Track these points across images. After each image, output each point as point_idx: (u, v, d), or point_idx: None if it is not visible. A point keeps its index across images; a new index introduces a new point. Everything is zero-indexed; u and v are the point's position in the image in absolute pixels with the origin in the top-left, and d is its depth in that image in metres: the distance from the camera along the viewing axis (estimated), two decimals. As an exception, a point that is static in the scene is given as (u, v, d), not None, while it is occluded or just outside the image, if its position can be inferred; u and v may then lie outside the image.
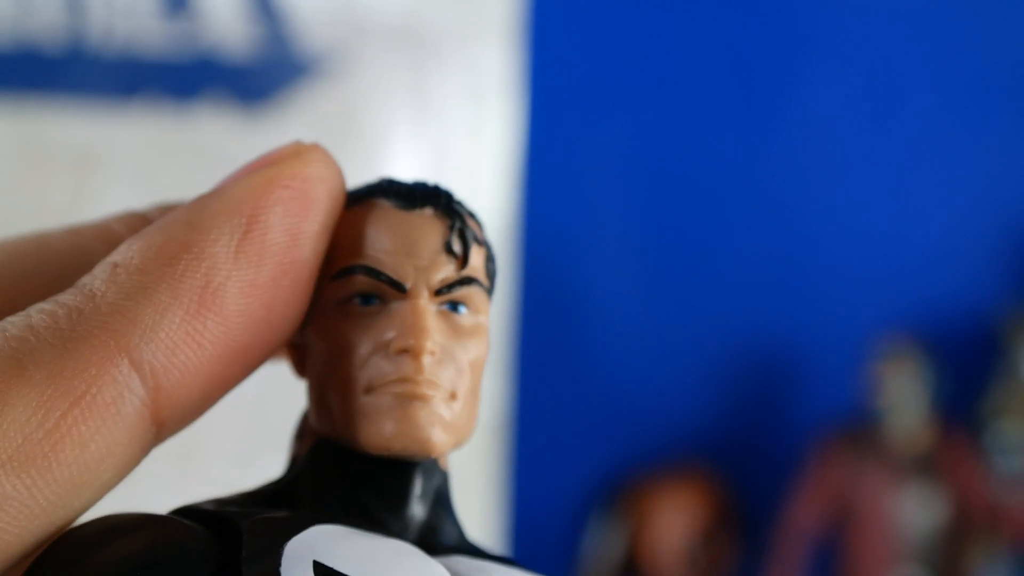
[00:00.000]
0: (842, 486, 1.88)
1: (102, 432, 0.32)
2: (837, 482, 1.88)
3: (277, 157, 0.38)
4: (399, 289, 0.38)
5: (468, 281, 0.39)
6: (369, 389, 0.38)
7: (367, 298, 0.39)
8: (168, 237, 0.35)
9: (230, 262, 0.35)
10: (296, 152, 0.38)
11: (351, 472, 0.39)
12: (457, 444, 0.39)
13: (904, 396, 1.88)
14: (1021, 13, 1.96)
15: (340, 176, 0.39)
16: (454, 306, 0.39)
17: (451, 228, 0.39)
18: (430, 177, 0.41)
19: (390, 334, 0.38)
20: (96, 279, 0.34)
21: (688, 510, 1.91)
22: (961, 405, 1.93)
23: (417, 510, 0.39)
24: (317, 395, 0.39)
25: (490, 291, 0.41)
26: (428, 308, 0.38)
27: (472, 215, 0.41)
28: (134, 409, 0.33)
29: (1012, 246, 1.97)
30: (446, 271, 0.39)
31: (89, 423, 0.31)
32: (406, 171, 1.34)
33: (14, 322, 0.32)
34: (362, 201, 0.40)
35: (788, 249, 1.96)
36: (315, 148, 0.38)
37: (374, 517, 0.38)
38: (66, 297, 0.33)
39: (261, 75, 1.39)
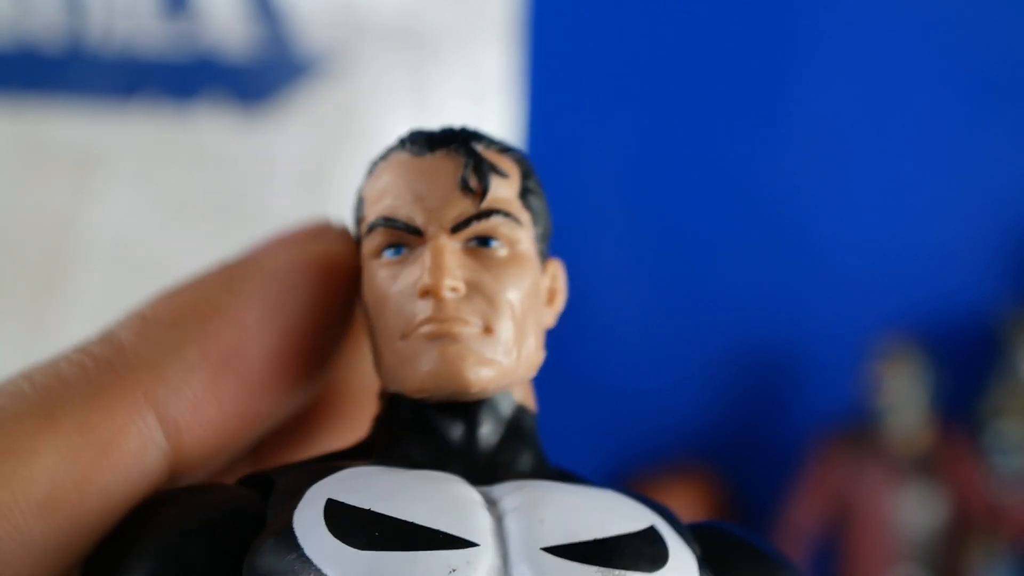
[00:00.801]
0: (842, 486, 1.88)
1: (127, 481, 0.33)
2: (837, 482, 1.88)
3: (308, 234, 0.41)
4: (416, 233, 0.39)
5: (488, 213, 0.39)
6: (404, 335, 0.38)
7: (395, 248, 0.40)
8: (201, 298, 0.36)
9: (259, 330, 0.36)
10: (324, 230, 0.41)
11: (412, 420, 0.39)
12: (508, 376, 0.39)
13: (904, 396, 1.88)
14: (1021, 13, 1.96)
15: (356, 252, 0.41)
16: (483, 240, 0.39)
17: (465, 165, 0.39)
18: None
19: (415, 278, 0.38)
20: (125, 330, 0.35)
21: (688, 509, 1.91)
22: (961, 405, 1.93)
23: (483, 447, 0.39)
24: (373, 350, 0.40)
25: (537, 223, 0.40)
26: (446, 246, 0.38)
27: (507, 150, 0.41)
28: (156, 460, 0.34)
29: (1012, 246, 1.97)
30: (461, 207, 0.39)
31: (115, 473, 0.32)
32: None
33: (42, 371, 0.34)
34: (386, 157, 0.41)
35: (788, 250, 1.96)
36: (341, 228, 0.41)
37: (437, 459, 0.38)
38: (94, 347, 0.34)
39: (261, 75, 1.39)
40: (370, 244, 0.40)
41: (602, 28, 1.89)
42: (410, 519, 0.33)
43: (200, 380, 0.34)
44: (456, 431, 0.39)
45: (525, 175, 0.41)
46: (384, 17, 1.38)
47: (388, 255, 0.40)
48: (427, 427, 0.39)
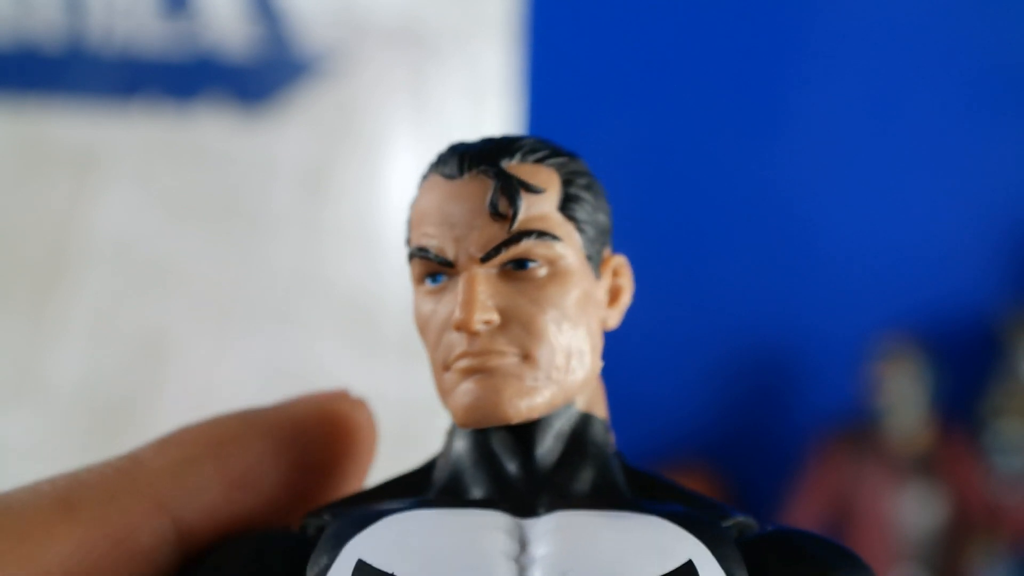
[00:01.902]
0: (842, 486, 1.88)
1: (139, 573, 0.34)
2: (837, 481, 1.88)
3: (331, 397, 0.43)
4: (447, 264, 0.39)
5: (520, 237, 0.38)
6: (446, 366, 0.39)
7: (434, 276, 0.40)
8: (221, 427, 0.39)
9: (273, 457, 0.39)
10: (345, 398, 0.43)
11: (468, 446, 0.40)
12: (559, 397, 0.38)
13: (904, 396, 1.88)
14: (1021, 14, 1.96)
15: (373, 424, 0.43)
16: (519, 263, 0.39)
17: (493, 188, 0.38)
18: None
19: (451, 309, 0.39)
20: (145, 448, 0.37)
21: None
22: (960, 405, 1.93)
23: (541, 467, 0.39)
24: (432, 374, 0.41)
25: (586, 229, 0.40)
26: (477, 277, 0.38)
27: (546, 158, 0.40)
28: (168, 555, 0.35)
29: (1012, 246, 1.97)
30: (490, 233, 0.38)
31: (128, 564, 0.34)
32: (406, 170, 1.34)
33: (64, 475, 0.35)
34: (427, 175, 0.40)
35: (788, 250, 1.96)
36: (362, 402, 0.43)
37: (492, 485, 0.39)
38: (114, 460, 0.36)
39: (261, 75, 1.39)
40: (413, 271, 0.40)
41: (602, 28, 1.89)
42: None
43: (215, 491, 0.37)
44: (511, 455, 0.39)
45: (568, 182, 0.40)
46: (384, 17, 1.38)
47: (429, 283, 0.40)
48: (483, 452, 0.39)
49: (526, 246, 0.38)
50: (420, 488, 0.40)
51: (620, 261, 0.42)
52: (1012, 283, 1.97)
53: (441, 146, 0.43)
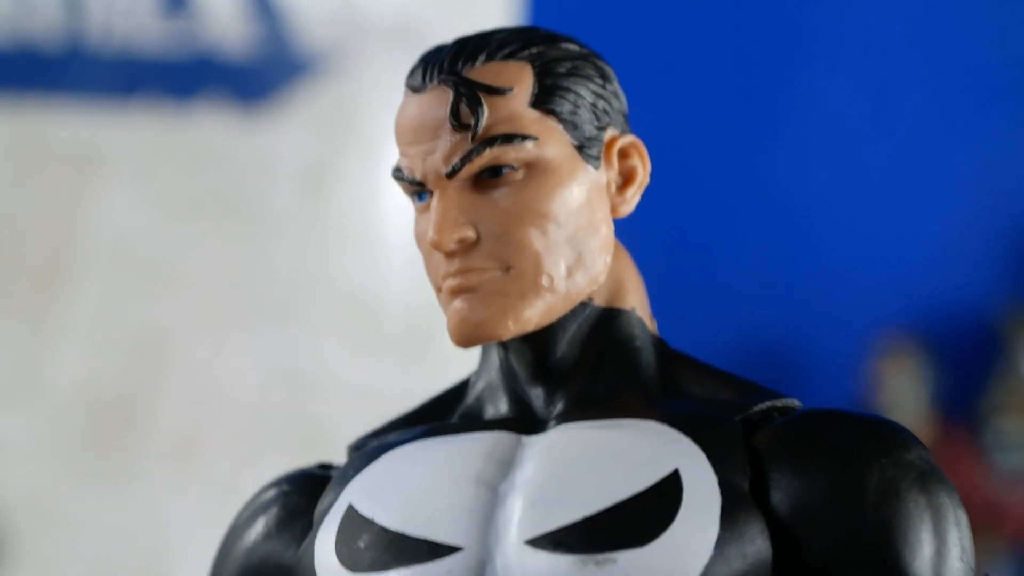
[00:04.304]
0: (842, 484, 1.87)
1: None
2: (837, 480, 1.87)
3: None
4: (421, 185, 0.39)
5: (484, 145, 0.38)
6: (438, 289, 0.40)
7: (419, 195, 0.40)
8: None
9: None
10: None
11: (491, 361, 0.41)
12: (560, 302, 0.38)
13: (904, 394, 1.87)
14: (1021, 14, 1.96)
15: None
16: (495, 171, 0.38)
17: (453, 97, 0.38)
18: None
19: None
20: None
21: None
22: (961, 403, 1.93)
23: (556, 373, 0.39)
24: None
25: (573, 117, 0.39)
26: (447, 195, 0.38)
27: (514, 53, 0.39)
28: None
29: (1012, 246, 1.97)
30: (453, 147, 0.38)
31: None
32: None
33: None
34: (405, 91, 0.41)
35: (789, 248, 1.96)
36: None
37: (510, 399, 0.40)
38: None
39: (260, 74, 1.39)
40: (403, 191, 0.41)
41: (602, 28, 1.89)
42: (405, 531, 0.37)
43: None
44: (527, 366, 0.39)
45: (544, 72, 0.39)
46: (384, 17, 1.38)
47: (417, 202, 0.40)
48: (503, 366, 0.40)
49: (494, 153, 0.38)
50: (450, 408, 0.41)
51: (628, 141, 0.42)
52: (1012, 281, 1.97)
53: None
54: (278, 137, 1.40)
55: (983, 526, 1.87)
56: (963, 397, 1.94)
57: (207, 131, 1.40)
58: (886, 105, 1.95)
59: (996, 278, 1.98)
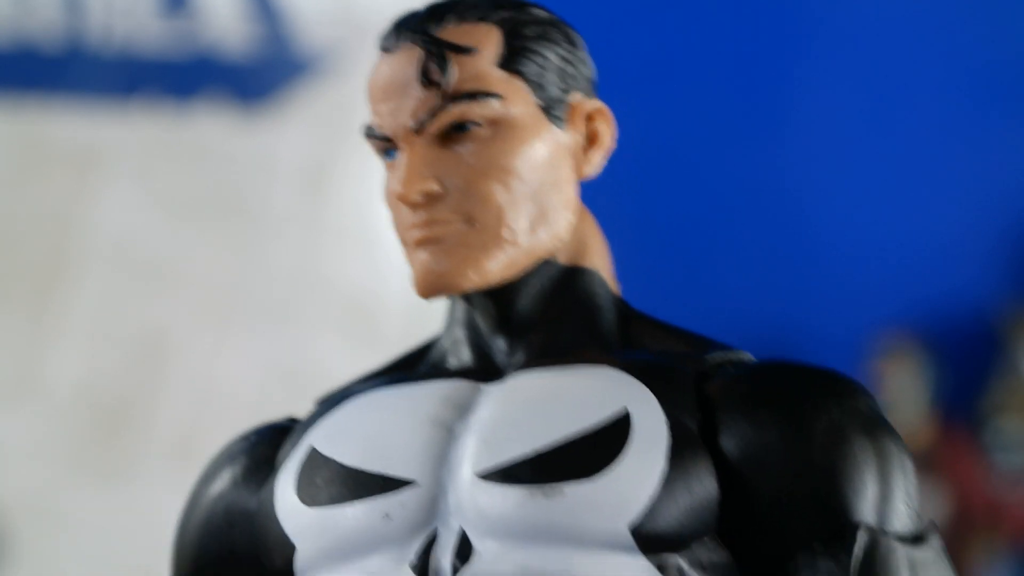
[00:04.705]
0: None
1: None
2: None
3: None
4: (389, 140, 0.40)
5: (450, 101, 0.39)
6: (404, 242, 0.41)
7: (388, 152, 0.41)
8: None
9: None
10: None
11: (456, 314, 0.42)
12: (523, 255, 0.39)
13: (904, 393, 1.87)
14: (1021, 14, 1.96)
15: None
16: (460, 127, 0.39)
17: (422, 55, 0.39)
18: None
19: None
20: None
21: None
22: (961, 402, 1.93)
23: (519, 326, 0.41)
24: None
25: (540, 79, 0.40)
26: (413, 149, 0.39)
27: (484, 16, 0.40)
28: None
29: (1012, 245, 1.97)
30: (420, 103, 0.39)
31: None
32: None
33: None
34: (379, 53, 0.42)
35: (789, 247, 1.96)
36: None
37: (475, 350, 0.41)
38: None
39: (260, 74, 1.39)
40: (374, 150, 0.42)
41: (602, 28, 1.89)
42: (361, 466, 0.39)
43: None
44: (489, 319, 0.41)
45: (512, 34, 0.40)
46: (384, 16, 1.38)
47: (387, 159, 0.41)
48: (467, 319, 0.41)
49: (460, 109, 0.39)
50: (416, 363, 0.43)
51: (595, 106, 0.42)
52: (1012, 280, 1.97)
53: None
54: (278, 137, 1.40)
55: (983, 526, 1.87)
56: (963, 397, 1.94)
57: (207, 131, 1.40)
58: (886, 105, 1.95)
59: (996, 278, 1.98)
